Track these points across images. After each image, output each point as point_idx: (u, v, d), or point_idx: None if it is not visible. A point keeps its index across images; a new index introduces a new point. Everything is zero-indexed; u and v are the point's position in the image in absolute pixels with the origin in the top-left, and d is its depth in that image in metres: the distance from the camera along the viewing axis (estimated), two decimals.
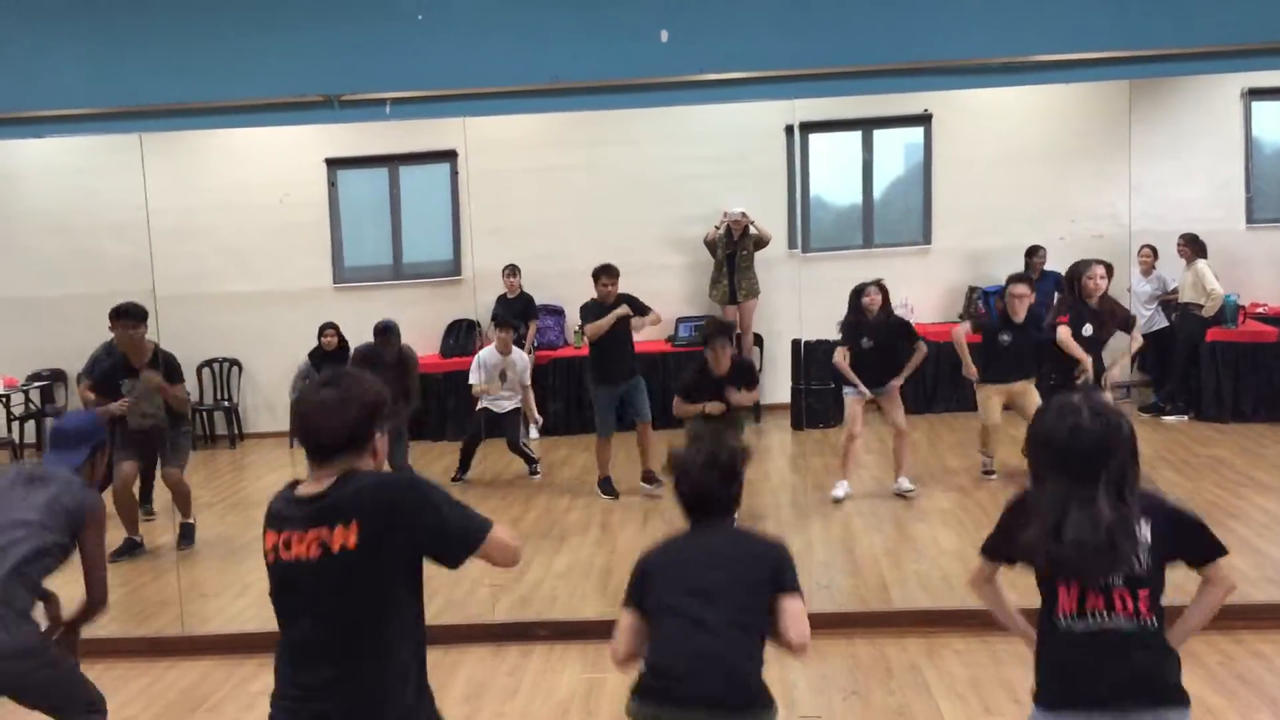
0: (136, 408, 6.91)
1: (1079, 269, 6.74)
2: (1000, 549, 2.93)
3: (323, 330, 8.56)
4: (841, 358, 7.63)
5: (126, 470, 6.92)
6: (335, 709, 2.44)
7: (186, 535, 7.12)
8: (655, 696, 2.78)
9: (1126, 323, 7.00)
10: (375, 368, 7.15)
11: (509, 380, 8.57)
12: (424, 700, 2.59)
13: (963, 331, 7.74)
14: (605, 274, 7.88)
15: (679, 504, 3.00)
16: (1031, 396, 7.49)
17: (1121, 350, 7.10)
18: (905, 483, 7.42)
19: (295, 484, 2.57)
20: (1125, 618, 2.67)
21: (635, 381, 7.96)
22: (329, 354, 8.21)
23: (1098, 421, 2.64)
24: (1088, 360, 6.87)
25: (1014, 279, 7.74)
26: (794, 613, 2.81)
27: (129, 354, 6.91)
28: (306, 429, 2.52)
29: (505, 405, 8.62)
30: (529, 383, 8.77)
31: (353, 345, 10.48)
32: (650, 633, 2.85)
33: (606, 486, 7.97)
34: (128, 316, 6.80)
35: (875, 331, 7.50)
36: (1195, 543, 2.81)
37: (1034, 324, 7.51)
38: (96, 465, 3.63)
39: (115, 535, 7.10)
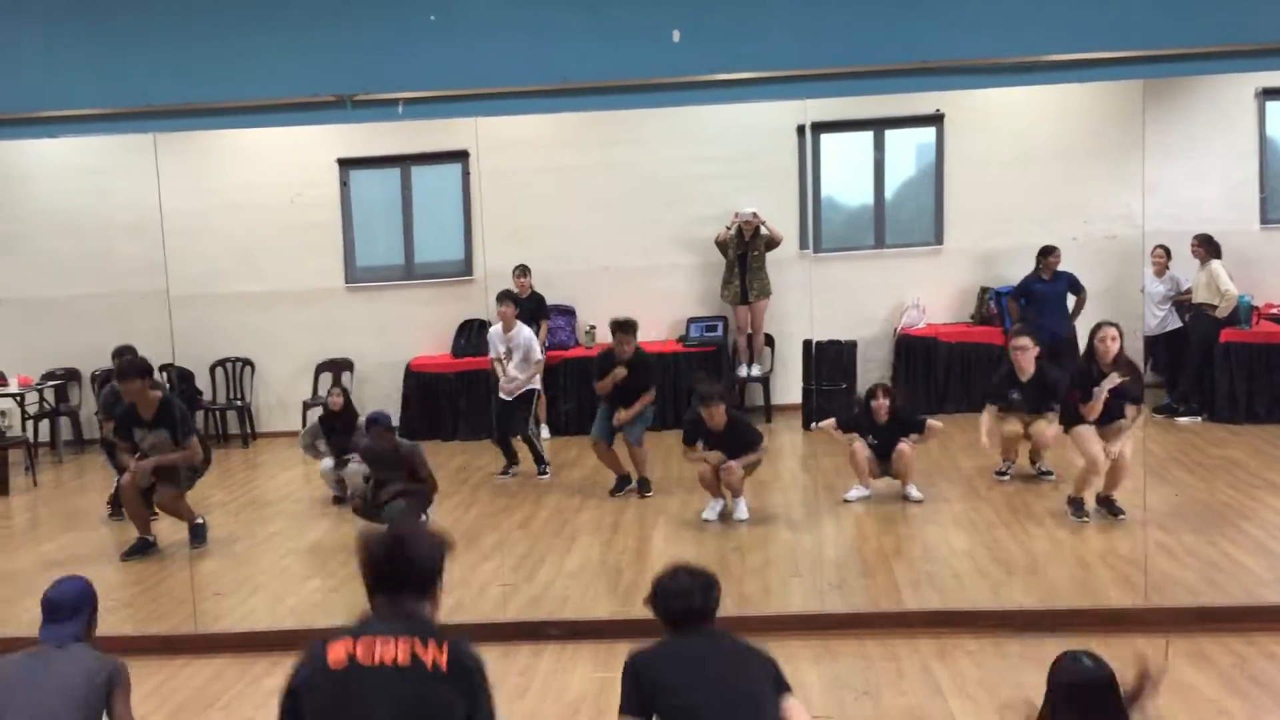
0: (144, 471, 6.94)
1: (1092, 332, 6.75)
2: None
3: (330, 390, 8.59)
4: (859, 446, 7.59)
5: (134, 474, 6.99)
6: None
7: (198, 535, 7.14)
8: None
9: (1135, 393, 6.81)
10: (385, 461, 7.16)
11: (515, 359, 8.61)
12: None
13: (992, 417, 7.67)
14: (622, 331, 7.94)
15: (662, 621, 3.21)
16: (1042, 426, 7.48)
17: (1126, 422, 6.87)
18: (914, 491, 7.41)
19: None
20: None
21: (640, 411, 7.96)
22: (337, 414, 8.18)
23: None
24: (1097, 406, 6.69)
25: (1015, 332, 7.76)
26: (799, 709, 3.11)
27: (138, 406, 6.96)
28: (382, 561, 2.66)
29: (512, 390, 8.64)
30: (538, 358, 8.75)
31: (364, 352, 10.55)
32: None
33: (617, 487, 7.97)
34: (123, 376, 6.88)
35: (881, 431, 7.56)
36: None
37: (1041, 378, 7.53)
38: (92, 628, 3.64)
39: (130, 534, 7.17)
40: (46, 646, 3.46)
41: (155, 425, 6.94)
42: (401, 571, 2.66)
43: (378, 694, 2.51)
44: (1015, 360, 7.63)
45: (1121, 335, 6.67)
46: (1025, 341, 7.60)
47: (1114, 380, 6.53)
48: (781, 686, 3.13)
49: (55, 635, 3.50)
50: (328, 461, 8.09)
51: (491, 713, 2.65)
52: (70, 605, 3.55)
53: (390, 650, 2.53)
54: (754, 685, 3.07)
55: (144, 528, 7.09)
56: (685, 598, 3.19)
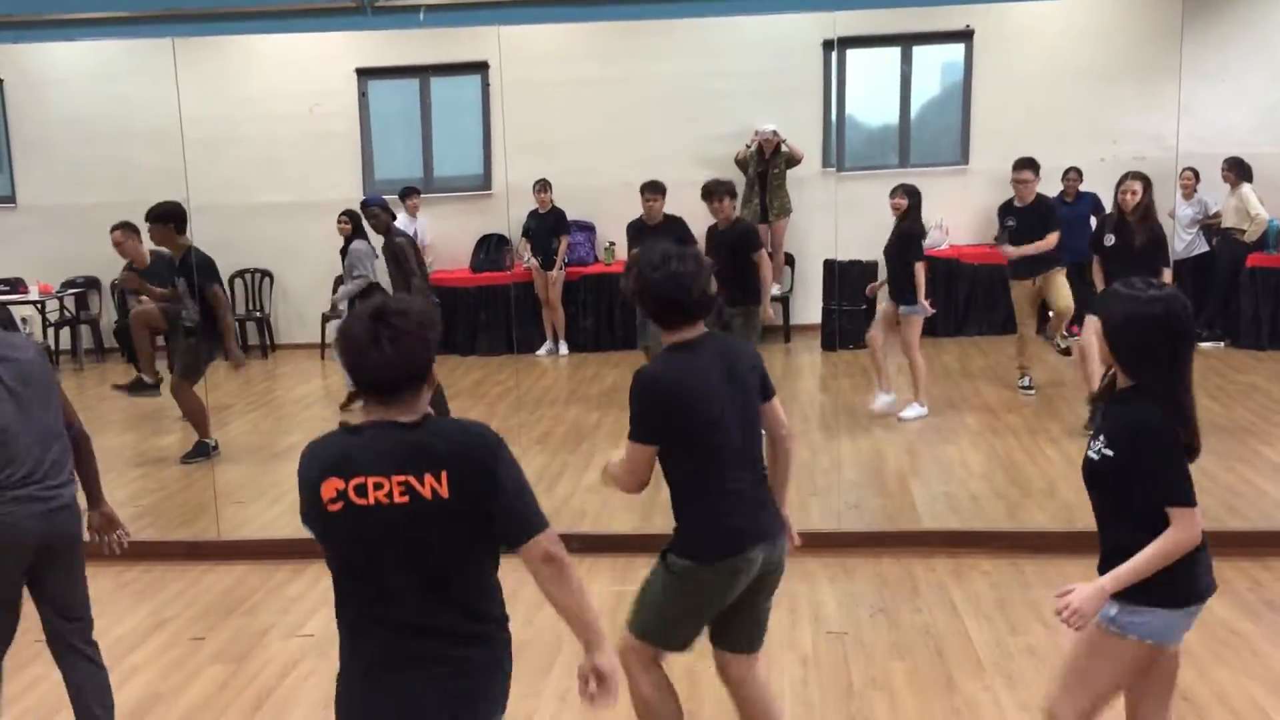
0: (174, 307, 7.19)
1: (1116, 184, 6.80)
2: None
3: (339, 218, 8.51)
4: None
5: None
6: (430, 656, 2.36)
7: (199, 451, 7.14)
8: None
9: (1154, 251, 6.71)
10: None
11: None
12: (507, 643, 2.52)
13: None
14: (650, 190, 7.80)
15: (653, 313, 3.07)
16: (1055, 284, 7.48)
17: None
18: (907, 410, 7.45)
19: (347, 427, 2.40)
20: None
21: None
22: (347, 241, 8.29)
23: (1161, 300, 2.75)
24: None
25: (1018, 164, 7.71)
26: (779, 409, 3.22)
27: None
28: (364, 370, 2.31)
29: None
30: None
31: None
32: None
33: None
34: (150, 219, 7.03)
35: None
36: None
37: (1042, 209, 7.65)
38: None
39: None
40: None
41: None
42: (388, 377, 2.31)
43: (380, 536, 2.32)
44: (1016, 191, 7.68)
45: (1148, 188, 6.61)
46: (1027, 174, 7.63)
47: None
48: (768, 390, 3.17)
49: None
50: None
51: (525, 495, 2.39)
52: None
53: (384, 490, 2.28)
54: (752, 387, 3.10)
55: (148, 367, 7.40)
56: (685, 290, 3.00)
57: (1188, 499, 2.72)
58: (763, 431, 3.17)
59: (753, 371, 3.12)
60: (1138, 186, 6.62)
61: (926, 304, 7.30)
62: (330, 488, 2.32)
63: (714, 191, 7.08)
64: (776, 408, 3.20)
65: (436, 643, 2.37)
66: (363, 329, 2.29)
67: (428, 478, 2.29)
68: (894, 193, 7.45)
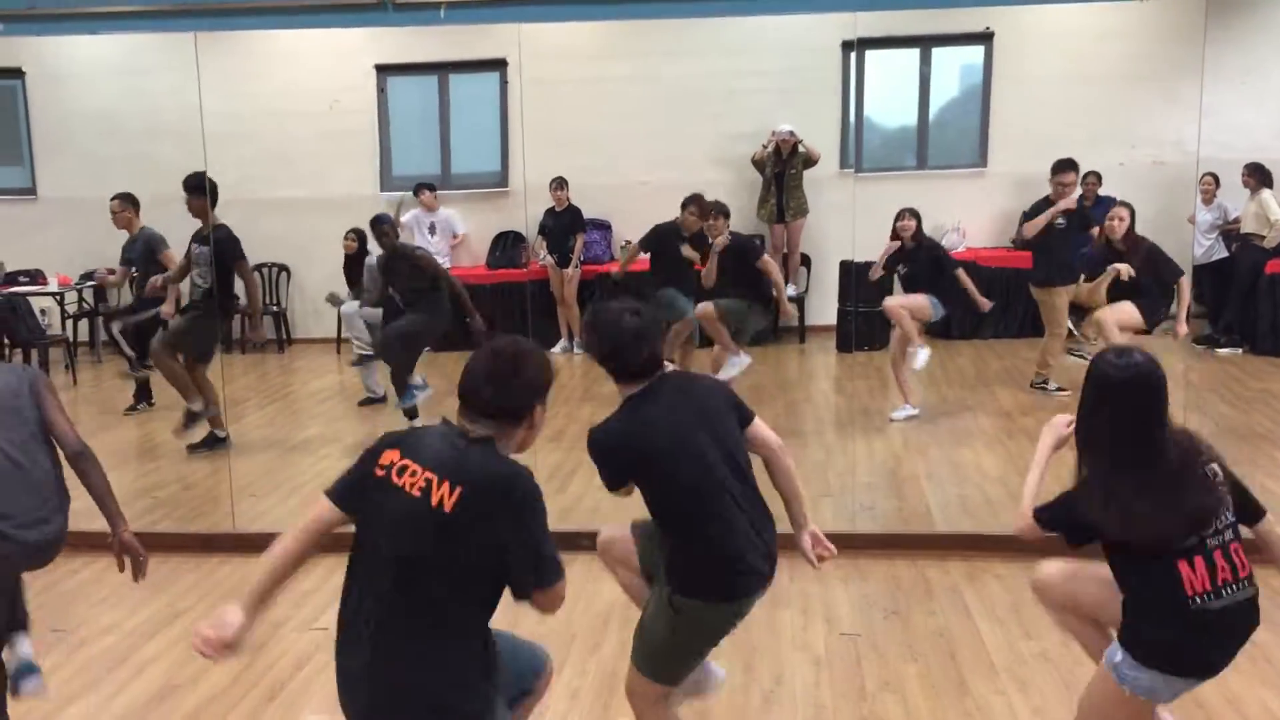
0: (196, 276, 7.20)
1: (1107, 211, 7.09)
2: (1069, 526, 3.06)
3: (345, 235, 8.63)
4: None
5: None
6: (383, 669, 2.38)
7: (191, 421, 7.10)
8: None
9: (1157, 267, 6.88)
10: (395, 268, 7.35)
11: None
12: (489, 700, 2.46)
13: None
14: (694, 204, 7.68)
15: (613, 372, 3.08)
16: (1100, 288, 7.48)
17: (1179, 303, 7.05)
18: (899, 411, 7.44)
19: (444, 421, 2.57)
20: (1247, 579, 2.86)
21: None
22: (352, 258, 8.33)
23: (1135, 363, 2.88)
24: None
25: (1060, 166, 7.68)
26: (766, 428, 3.28)
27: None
28: (469, 387, 2.51)
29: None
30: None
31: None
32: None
33: None
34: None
35: (912, 258, 7.50)
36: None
37: (1079, 210, 7.76)
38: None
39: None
40: None
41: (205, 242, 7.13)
42: (481, 401, 2.50)
43: (394, 518, 2.40)
44: (1055, 193, 7.69)
45: (1132, 216, 6.99)
46: (1072, 176, 7.66)
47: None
48: (744, 415, 3.15)
49: None
50: (348, 305, 8.27)
51: (542, 543, 2.43)
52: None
53: (416, 479, 2.39)
54: (727, 419, 3.08)
55: (186, 395, 7.20)
56: (637, 346, 3.00)
57: (1038, 516, 3.11)
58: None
59: (725, 402, 3.11)
60: (1125, 213, 6.92)
61: (985, 300, 7.45)
62: (389, 456, 2.47)
63: (708, 212, 7.16)
64: (760, 428, 3.17)
65: (386, 646, 2.38)
66: (481, 368, 2.53)
67: (444, 485, 2.36)
68: (900, 215, 7.43)
